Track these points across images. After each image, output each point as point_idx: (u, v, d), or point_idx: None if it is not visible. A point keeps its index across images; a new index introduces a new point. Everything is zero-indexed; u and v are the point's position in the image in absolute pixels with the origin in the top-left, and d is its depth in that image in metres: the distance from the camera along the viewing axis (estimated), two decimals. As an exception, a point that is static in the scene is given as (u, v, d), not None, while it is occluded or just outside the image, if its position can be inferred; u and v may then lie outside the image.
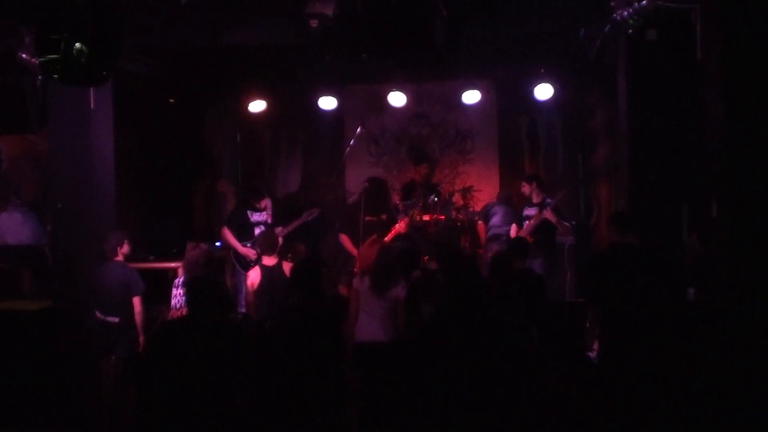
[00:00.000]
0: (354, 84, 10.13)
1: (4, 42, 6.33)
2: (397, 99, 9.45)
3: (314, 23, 6.23)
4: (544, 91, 9.00)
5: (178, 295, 5.99)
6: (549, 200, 8.22)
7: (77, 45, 4.93)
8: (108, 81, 5.97)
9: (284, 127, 10.65)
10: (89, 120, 6.48)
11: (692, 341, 3.85)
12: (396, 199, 8.83)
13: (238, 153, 10.87)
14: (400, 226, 7.82)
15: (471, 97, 9.44)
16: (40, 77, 6.63)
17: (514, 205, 8.82)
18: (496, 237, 8.48)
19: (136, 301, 6.40)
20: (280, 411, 4.17)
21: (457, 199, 9.42)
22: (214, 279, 4.84)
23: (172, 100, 9.57)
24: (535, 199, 8.21)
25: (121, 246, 6.52)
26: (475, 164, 10.31)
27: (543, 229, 7.93)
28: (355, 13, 6.41)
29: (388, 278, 5.53)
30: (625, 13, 5.70)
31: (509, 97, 9.94)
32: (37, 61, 5.67)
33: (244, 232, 8.03)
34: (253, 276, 6.48)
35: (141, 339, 6.43)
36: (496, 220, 8.68)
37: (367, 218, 8.00)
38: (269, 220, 8.14)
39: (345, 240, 8.07)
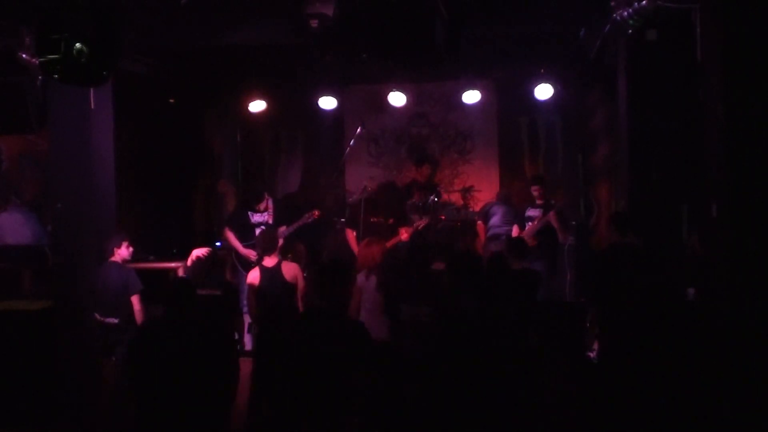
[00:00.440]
0: (354, 84, 10.13)
1: (4, 42, 6.32)
2: (397, 99, 9.45)
3: (314, 23, 6.23)
4: (544, 91, 9.00)
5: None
6: (552, 201, 8.23)
7: (77, 45, 4.94)
8: (108, 81, 5.98)
9: (284, 127, 10.65)
10: (89, 120, 6.48)
11: (692, 341, 3.86)
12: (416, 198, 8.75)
13: (238, 153, 10.87)
14: (402, 235, 7.85)
15: (471, 97, 9.44)
16: (40, 77, 6.63)
17: (513, 205, 8.82)
18: (495, 237, 8.48)
19: (135, 301, 6.39)
20: (295, 413, 4.15)
21: (457, 199, 9.43)
22: (190, 281, 4.93)
23: (172, 100, 9.57)
24: (539, 200, 8.21)
25: (119, 247, 6.51)
26: (475, 164, 10.30)
27: (545, 231, 7.93)
28: (355, 13, 6.41)
29: (396, 280, 5.58)
30: (625, 13, 5.70)
31: (509, 97, 9.94)
32: (37, 61, 5.67)
33: (245, 232, 8.04)
34: (253, 276, 6.48)
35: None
36: (495, 220, 8.68)
37: (372, 219, 8.01)
38: (270, 221, 8.14)
39: (350, 235, 8.10)
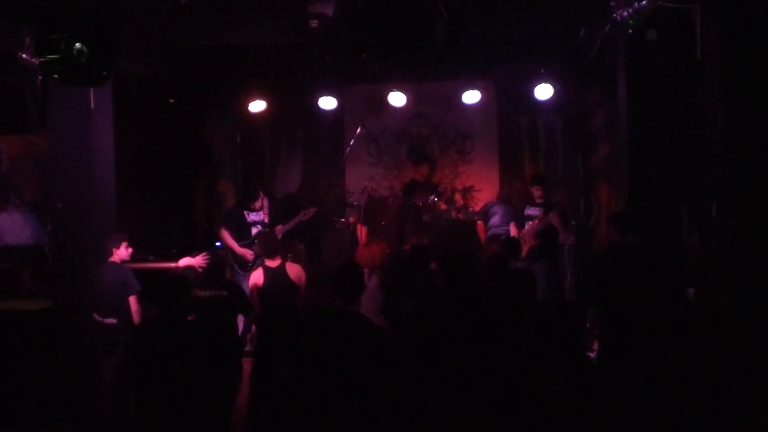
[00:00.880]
0: (354, 84, 10.13)
1: (4, 42, 6.32)
2: (397, 99, 9.45)
3: (314, 23, 6.22)
4: (544, 91, 9.00)
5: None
6: (553, 200, 8.22)
7: (77, 45, 4.94)
8: (108, 81, 5.97)
9: (284, 127, 10.65)
10: (89, 120, 6.48)
11: (692, 341, 3.85)
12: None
13: (238, 153, 10.87)
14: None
15: (471, 97, 9.44)
16: (40, 77, 6.63)
17: (513, 204, 8.82)
18: (495, 237, 8.47)
19: (132, 301, 6.38)
20: (303, 414, 4.14)
21: (457, 199, 9.43)
22: (185, 279, 4.94)
23: (172, 100, 9.57)
24: (539, 200, 8.18)
25: (117, 247, 6.50)
26: (475, 164, 10.31)
27: (546, 231, 7.91)
28: (355, 13, 6.41)
29: (397, 280, 5.57)
30: (625, 13, 5.70)
31: (509, 97, 9.94)
32: (37, 61, 5.67)
33: (241, 232, 8.05)
34: (256, 277, 6.47)
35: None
36: (495, 219, 8.68)
37: (382, 222, 8.05)
38: (266, 220, 8.14)
39: (361, 231, 8.12)
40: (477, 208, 9.39)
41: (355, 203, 8.38)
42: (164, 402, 4.29)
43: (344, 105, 10.07)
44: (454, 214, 9.07)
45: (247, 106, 9.60)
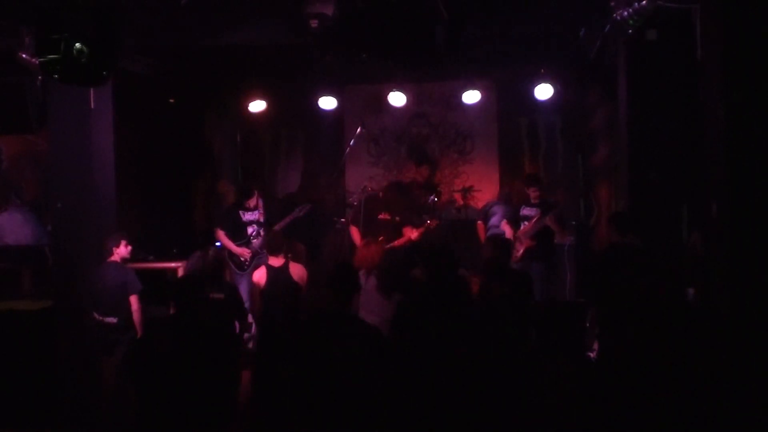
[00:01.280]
0: (354, 84, 10.13)
1: (4, 42, 6.33)
2: (397, 99, 9.45)
3: (314, 23, 6.22)
4: (544, 91, 8.99)
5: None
6: (549, 200, 8.20)
7: (77, 45, 4.94)
8: (108, 81, 5.97)
9: (284, 127, 10.65)
10: (89, 120, 6.49)
11: (692, 341, 3.85)
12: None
13: (238, 153, 10.88)
14: (413, 234, 7.88)
15: (471, 97, 9.44)
16: (40, 77, 6.63)
17: (513, 204, 8.81)
18: (495, 237, 8.46)
19: (133, 300, 6.38)
20: (302, 415, 4.14)
21: (457, 199, 9.43)
22: (201, 280, 4.94)
23: (172, 100, 9.57)
24: (535, 200, 8.15)
25: (117, 246, 6.50)
26: (475, 164, 10.31)
27: (543, 232, 7.90)
28: (355, 13, 6.40)
29: (394, 281, 5.56)
30: (625, 13, 5.69)
31: (509, 97, 9.94)
32: (37, 61, 5.66)
33: (237, 231, 8.05)
34: (259, 276, 6.47)
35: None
36: (495, 219, 8.67)
37: (380, 216, 8.03)
38: (261, 219, 8.14)
39: (354, 232, 8.11)
40: (477, 208, 9.39)
41: (355, 203, 8.38)
42: (170, 402, 4.28)
43: (344, 105, 10.07)
44: (454, 214, 9.07)
45: (247, 106, 9.60)
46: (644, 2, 5.57)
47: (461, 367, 3.96)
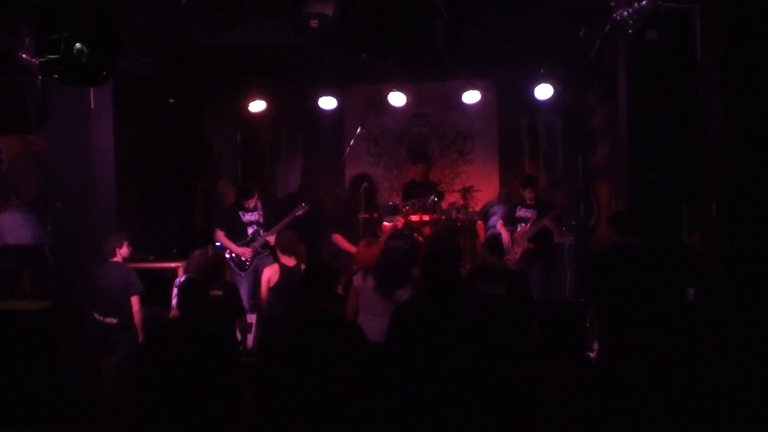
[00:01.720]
0: (354, 84, 10.13)
1: (4, 42, 6.32)
2: (397, 99, 9.45)
3: (314, 23, 6.22)
4: (544, 91, 8.99)
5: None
6: (545, 201, 8.19)
7: (77, 45, 4.94)
8: (108, 81, 5.98)
9: (284, 127, 10.65)
10: (89, 120, 6.49)
11: (692, 341, 3.85)
12: (396, 199, 8.87)
13: (238, 153, 10.87)
14: (398, 222, 7.92)
15: (471, 97, 9.44)
16: (40, 77, 6.63)
17: (513, 204, 8.80)
18: (495, 237, 8.46)
19: (134, 301, 6.38)
20: (298, 413, 4.15)
21: (457, 199, 9.43)
22: (204, 282, 4.95)
23: (172, 100, 9.57)
24: (530, 201, 8.10)
25: (120, 247, 6.50)
26: (475, 164, 10.30)
27: (540, 233, 7.87)
28: (355, 13, 6.40)
29: (393, 280, 5.52)
30: (625, 13, 5.69)
31: (509, 97, 9.94)
32: (37, 61, 5.67)
33: (237, 232, 8.04)
34: (270, 273, 6.46)
35: (141, 339, 6.43)
36: (495, 219, 8.66)
37: (362, 215, 8.05)
38: (261, 219, 8.14)
39: (339, 239, 8.12)
40: (477, 208, 9.38)
41: (299, 213, 8.38)
42: (171, 404, 4.28)
43: (344, 105, 10.07)
44: (454, 214, 9.07)
45: (247, 106, 9.60)
46: (644, 2, 5.57)
47: (460, 367, 3.96)
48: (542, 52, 8.43)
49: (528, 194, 8.07)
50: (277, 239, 7.20)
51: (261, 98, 9.54)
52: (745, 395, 3.75)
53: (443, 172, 10.28)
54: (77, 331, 6.34)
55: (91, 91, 6.42)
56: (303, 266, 6.49)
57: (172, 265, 7.68)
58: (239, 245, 7.97)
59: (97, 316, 6.33)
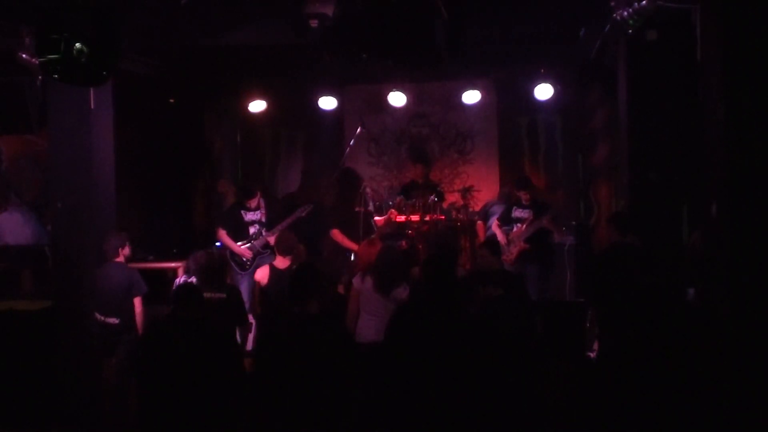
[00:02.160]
0: (354, 84, 10.14)
1: (4, 42, 6.32)
2: (397, 99, 9.45)
3: (314, 23, 6.21)
4: (544, 91, 9.00)
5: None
6: (541, 201, 8.17)
7: (77, 45, 4.93)
8: (108, 81, 5.97)
9: (284, 127, 10.66)
10: (89, 120, 6.48)
11: (692, 341, 3.85)
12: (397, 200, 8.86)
13: (238, 153, 10.88)
14: (391, 214, 8.16)
15: (471, 97, 9.44)
16: (40, 77, 6.63)
17: (510, 204, 8.79)
18: (495, 237, 8.45)
19: (137, 302, 6.39)
20: (287, 415, 4.15)
21: (457, 199, 9.43)
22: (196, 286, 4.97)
23: (172, 100, 9.57)
24: (526, 201, 8.09)
25: (123, 247, 6.51)
26: (475, 164, 10.31)
27: (537, 233, 7.86)
28: (355, 13, 6.40)
29: (391, 278, 5.51)
30: (625, 13, 5.69)
31: (509, 97, 9.94)
32: (37, 61, 5.67)
33: (239, 231, 8.04)
34: (261, 274, 6.46)
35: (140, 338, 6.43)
36: (495, 220, 8.66)
37: (357, 209, 8.07)
38: (263, 219, 8.14)
39: (337, 235, 8.08)
40: (477, 208, 9.38)
41: (304, 215, 8.39)
42: (173, 402, 4.28)
43: (344, 105, 10.08)
44: (454, 214, 9.07)
45: (247, 106, 9.60)
46: (644, 2, 5.56)
47: (460, 368, 3.96)
48: (542, 52, 8.44)
49: (523, 195, 8.07)
50: (276, 240, 7.20)
51: (261, 98, 9.54)
52: (745, 395, 3.75)
53: (443, 172, 10.28)
54: (77, 331, 6.33)
55: (91, 91, 6.42)
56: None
57: (172, 265, 7.68)
58: (240, 244, 7.97)
59: (98, 316, 6.33)
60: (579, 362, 5.24)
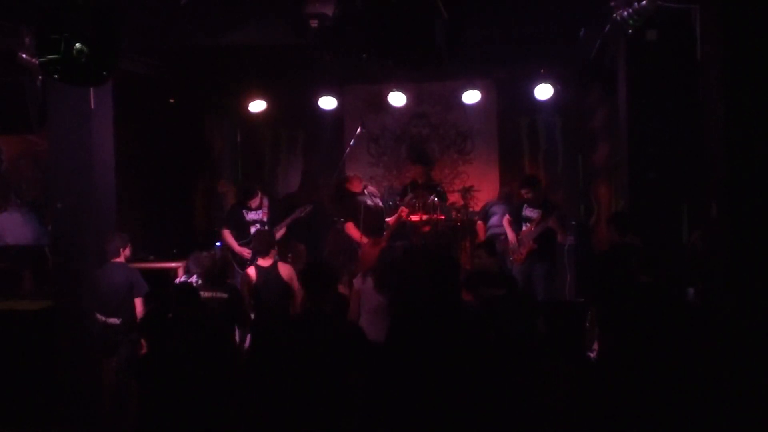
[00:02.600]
0: (354, 84, 10.14)
1: (4, 42, 6.32)
2: (397, 99, 9.46)
3: (314, 23, 6.22)
4: (544, 91, 8.99)
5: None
6: (549, 201, 8.17)
7: (77, 45, 4.93)
8: (108, 81, 5.97)
9: (284, 127, 10.66)
10: (89, 120, 6.48)
11: (692, 341, 3.86)
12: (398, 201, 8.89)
13: (238, 153, 10.88)
14: (402, 212, 8.14)
15: (471, 97, 9.44)
16: (40, 77, 6.63)
17: (514, 204, 8.79)
18: (495, 237, 8.45)
19: (138, 302, 6.39)
20: (289, 416, 4.15)
21: (457, 199, 9.43)
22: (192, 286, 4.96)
23: (172, 100, 9.57)
24: (531, 200, 8.06)
25: (124, 247, 6.52)
26: (475, 164, 10.31)
27: (545, 233, 7.86)
28: (355, 13, 6.40)
29: (392, 278, 5.51)
30: (625, 13, 5.69)
31: (509, 97, 9.95)
32: (37, 61, 5.66)
33: (240, 231, 8.05)
34: (248, 276, 6.49)
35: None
36: (495, 219, 8.66)
37: (369, 203, 8.11)
38: (265, 219, 8.14)
39: (351, 228, 8.09)
40: (477, 208, 9.38)
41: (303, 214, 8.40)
42: (173, 401, 4.28)
43: (344, 105, 10.08)
44: (454, 214, 9.07)
45: (247, 106, 9.60)
46: (644, 2, 5.56)
47: (459, 367, 3.97)
48: (542, 52, 8.44)
49: (526, 194, 8.04)
50: (254, 239, 7.22)
51: (261, 98, 9.54)
52: (745, 395, 3.76)
53: (443, 172, 10.28)
54: (77, 331, 6.33)
55: (91, 91, 6.42)
56: (281, 265, 6.52)
57: (172, 265, 7.67)
58: (241, 244, 7.97)
59: (99, 316, 6.33)
60: (579, 362, 5.24)
